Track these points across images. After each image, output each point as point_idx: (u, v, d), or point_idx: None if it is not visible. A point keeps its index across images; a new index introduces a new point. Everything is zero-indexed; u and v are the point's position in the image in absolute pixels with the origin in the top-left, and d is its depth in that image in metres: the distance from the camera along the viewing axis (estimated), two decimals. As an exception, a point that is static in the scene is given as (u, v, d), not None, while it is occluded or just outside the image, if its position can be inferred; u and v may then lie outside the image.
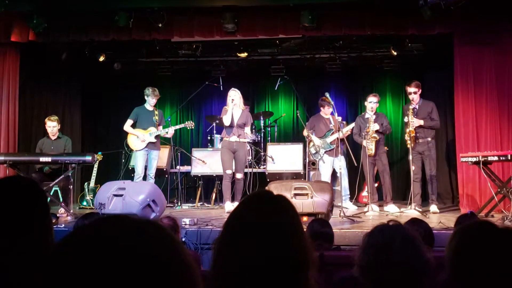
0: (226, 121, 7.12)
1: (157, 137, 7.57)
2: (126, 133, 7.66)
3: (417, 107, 7.25)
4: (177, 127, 8.03)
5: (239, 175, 7.13)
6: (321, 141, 7.74)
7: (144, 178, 7.48)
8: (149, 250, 0.71)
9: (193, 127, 8.20)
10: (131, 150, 7.78)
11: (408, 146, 7.08)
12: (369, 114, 7.52)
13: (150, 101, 7.61)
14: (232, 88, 7.28)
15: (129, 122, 7.57)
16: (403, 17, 7.15)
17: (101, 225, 0.74)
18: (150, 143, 7.49)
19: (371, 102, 7.53)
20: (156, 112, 7.66)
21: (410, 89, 7.22)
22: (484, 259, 1.49)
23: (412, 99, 7.24)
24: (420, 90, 7.27)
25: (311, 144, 7.84)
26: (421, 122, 7.10)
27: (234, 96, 7.11)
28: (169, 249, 0.74)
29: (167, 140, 8.25)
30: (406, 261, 1.66)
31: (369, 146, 7.34)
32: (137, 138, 7.48)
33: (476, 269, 1.49)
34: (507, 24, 7.06)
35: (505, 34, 7.28)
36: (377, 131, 7.36)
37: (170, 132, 7.72)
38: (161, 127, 7.63)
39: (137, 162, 7.51)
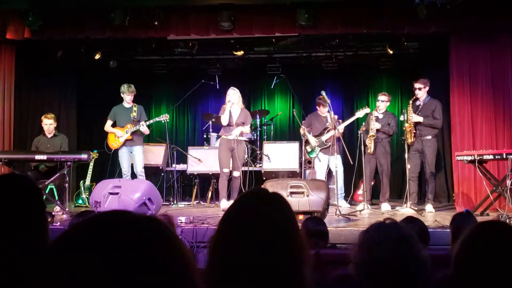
0: (224, 121, 7.12)
1: (134, 133, 7.47)
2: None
3: (422, 104, 7.25)
4: (151, 121, 7.74)
5: (236, 173, 7.12)
6: (316, 139, 7.75)
7: (134, 176, 7.46)
8: (148, 245, 0.71)
9: (167, 120, 7.79)
10: (111, 150, 7.70)
11: (406, 142, 7.10)
12: (376, 112, 7.55)
13: (126, 98, 7.55)
14: (231, 87, 7.26)
15: (109, 122, 7.55)
16: (399, 16, 7.15)
17: (100, 221, 0.74)
18: (126, 140, 7.44)
19: (379, 101, 7.58)
20: (135, 109, 7.56)
21: (415, 85, 7.21)
22: (492, 256, 1.49)
23: (417, 95, 7.25)
24: (427, 88, 7.22)
25: (307, 142, 7.84)
26: (420, 119, 7.07)
27: (232, 96, 7.11)
28: (168, 243, 0.74)
29: (163, 138, 8.23)
30: (400, 259, 1.67)
31: (368, 144, 7.38)
32: (114, 136, 7.48)
33: (483, 266, 1.49)
34: (503, 23, 7.08)
35: (500, 33, 7.29)
36: (378, 130, 7.38)
37: (142, 129, 7.52)
38: (141, 122, 7.50)
39: (122, 160, 7.49)
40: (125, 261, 0.68)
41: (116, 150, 7.57)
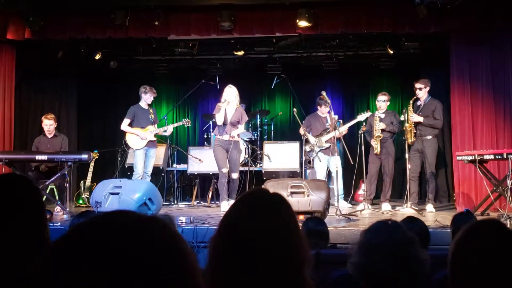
0: (219, 120, 6.93)
1: (155, 135, 7.56)
2: (122, 131, 7.61)
3: (422, 104, 7.25)
4: (175, 125, 8.02)
5: (234, 175, 6.94)
6: (316, 140, 7.74)
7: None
8: (151, 245, 0.71)
9: (189, 125, 8.23)
10: (129, 148, 7.72)
11: (406, 142, 7.10)
12: (378, 112, 7.55)
13: (148, 99, 7.53)
14: (228, 85, 7.09)
15: (127, 121, 7.44)
16: (399, 16, 7.16)
17: (102, 221, 0.74)
18: (149, 141, 7.44)
19: (380, 101, 7.57)
20: (151, 111, 7.61)
21: (416, 85, 7.22)
22: (487, 257, 1.49)
23: (417, 95, 7.24)
24: (428, 88, 7.23)
25: (307, 142, 7.84)
26: (420, 119, 7.07)
27: (228, 94, 6.91)
28: (171, 243, 0.74)
29: (163, 138, 8.24)
30: (394, 268, 1.67)
31: (374, 144, 7.38)
32: (137, 137, 7.42)
33: (476, 265, 1.49)
34: (503, 23, 7.08)
35: (500, 33, 7.29)
36: (383, 130, 7.38)
37: (169, 130, 7.72)
38: (156, 125, 7.61)
39: (137, 161, 7.38)
40: (128, 261, 0.67)
41: (125, 150, 7.57)
